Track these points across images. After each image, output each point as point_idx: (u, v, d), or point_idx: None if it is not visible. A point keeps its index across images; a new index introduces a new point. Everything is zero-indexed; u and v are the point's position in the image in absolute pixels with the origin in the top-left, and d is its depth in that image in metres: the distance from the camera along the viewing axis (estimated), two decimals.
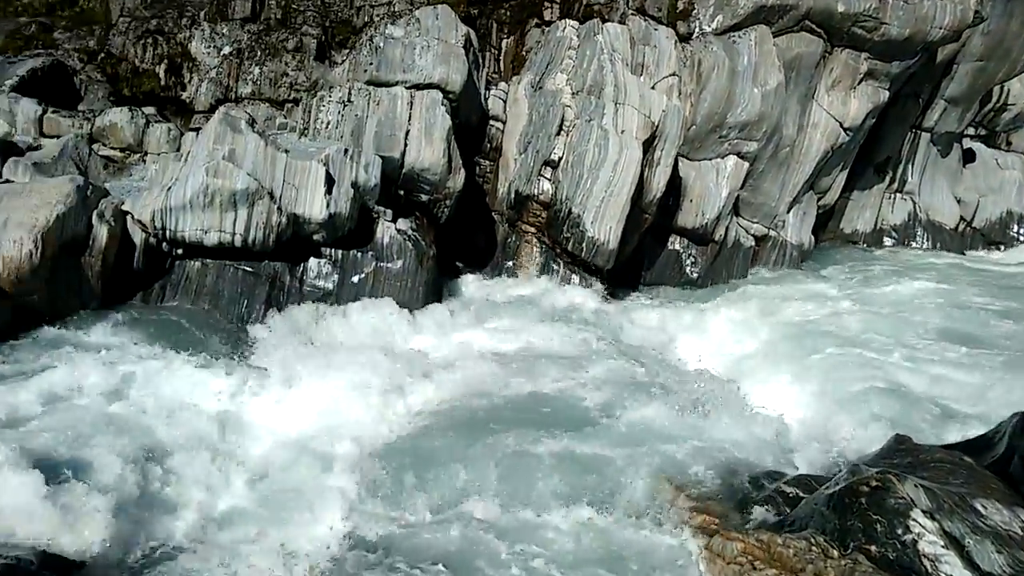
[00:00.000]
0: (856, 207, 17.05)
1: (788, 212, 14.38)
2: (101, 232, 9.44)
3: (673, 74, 12.89)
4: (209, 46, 12.84)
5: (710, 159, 13.43)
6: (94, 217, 9.48)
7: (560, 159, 12.16)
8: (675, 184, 12.98)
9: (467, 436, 7.06)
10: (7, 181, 9.72)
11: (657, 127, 12.34)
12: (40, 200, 9.20)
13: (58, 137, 10.98)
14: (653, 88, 12.73)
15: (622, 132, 12.09)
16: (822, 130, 14.02)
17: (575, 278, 12.11)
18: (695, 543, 5.54)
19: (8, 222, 8.92)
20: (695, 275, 13.74)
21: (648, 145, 12.14)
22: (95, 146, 11.04)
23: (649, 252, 13.50)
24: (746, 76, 13.03)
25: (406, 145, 11.48)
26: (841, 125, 14.05)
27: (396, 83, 11.78)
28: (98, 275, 9.45)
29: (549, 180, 12.14)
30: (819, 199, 15.12)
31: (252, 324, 10.03)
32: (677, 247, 13.65)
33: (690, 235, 13.61)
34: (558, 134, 12.31)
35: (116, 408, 7.15)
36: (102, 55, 13.44)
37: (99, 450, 6.23)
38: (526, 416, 7.52)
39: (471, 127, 12.69)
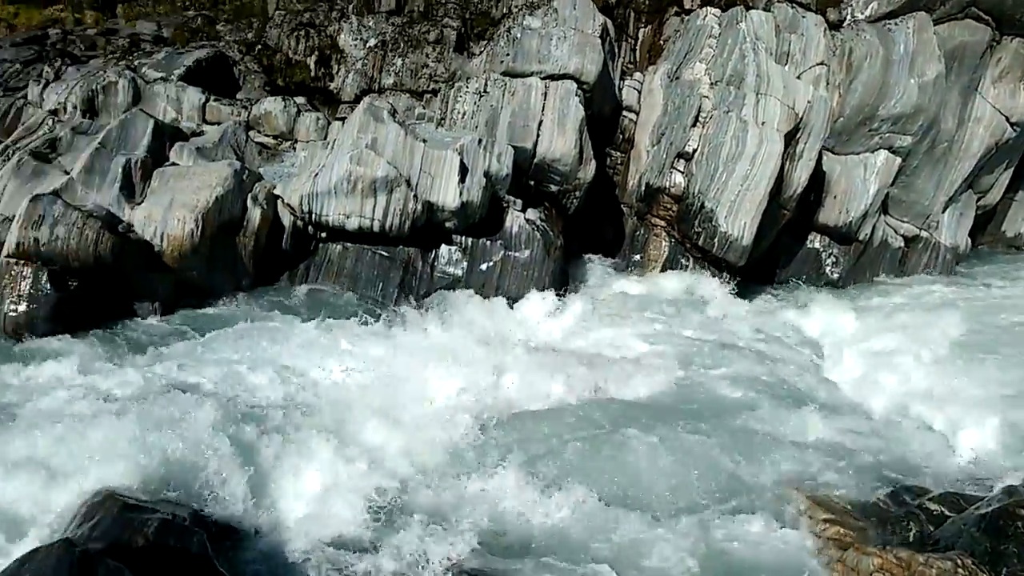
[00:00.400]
0: (1021, 209, 15.58)
1: (943, 212, 13.34)
2: (255, 214, 10.11)
3: (821, 63, 12.24)
4: (356, 38, 13.43)
5: (858, 153, 12.66)
6: (248, 200, 10.16)
7: (694, 151, 11.85)
8: (818, 179, 12.33)
9: (589, 431, 7.04)
10: (173, 164, 10.59)
11: (801, 119, 11.77)
12: (202, 183, 9.97)
13: (219, 124, 11.82)
14: (799, 78, 12.14)
15: (762, 124, 11.63)
16: (986, 125, 12.88)
17: (705, 274, 11.78)
18: (828, 555, 5.28)
19: (173, 202, 9.73)
20: (835, 275, 13.03)
21: (790, 138, 11.61)
22: (251, 133, 11.81)
23: (785, 249, 12.91)
24: (902, 66, 12.17)
25: (538, 135, 11.55)
26: (1008, 120, 12.86)
27: (531, 73, 11.87)
28: (251, 254, 10.14)
29: (682, 173, 11.87)
30: (979, 199, 13.92)
31: (387, 306, 10.44)
32: (817, 245, 12.97)
33: (832, 233, 12.90)
34: (693, 125, 12.00)
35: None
36: (259, 47, 14.34)
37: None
38: (652, 414, 7.41)
39: (604, 118, 12.59)
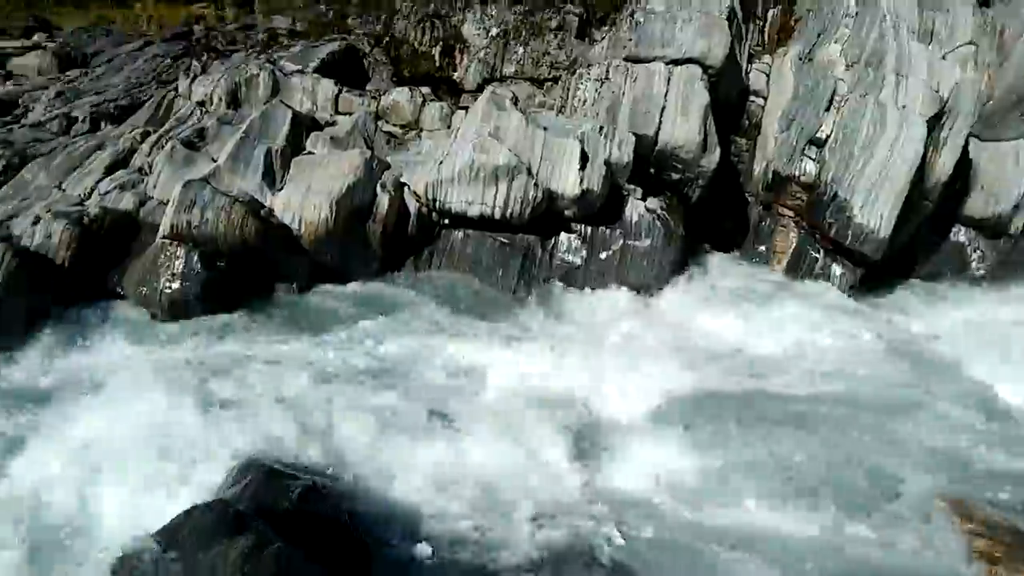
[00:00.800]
0: None
1: None
2: (383, 201, 10.51)
3: (970, 42, 11.39)
4: (479, 28, 13.65)
5: (1009, 140, 11.72)
6: (378, 187, 10.58)
7: (827, 137, 11.32)
8: (963, 167, 11.51)
9: (717, 430, 6.92)
10: (309, 153, 11.16)
11: (946, 102, 11.01)
12: (335, 171, 10.46)
13: (350, 114, 12.33)
14: (943, 58, 11.36)
15: (903, 107, 10.96)
16: None
17: (836, 268, 11.26)
18: (976, 569, 4.99)
19: (310, 189, 10.26)
20: (981, 272, 12.12)
21: (934, 122, 10.88)
22: (380, 122, 12.26)
23: (925, 243, 12.12)
24: None
25: (661, 122, 11.36)
26: None
27: (654, 58, 11.68)
28: (379, 240, 10.55)
29: (813, 160, 11.36)
30: None
31: (506, 292, 10.61)
32: (961, 239, 12.11)
33: (978, 226, 12.01)
34: (827, 110, 11.45)
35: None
36: (386, 39, 14.82)
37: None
38: (783, 414, 7.20)
39: (729, 103, 12.22)
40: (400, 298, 9.82)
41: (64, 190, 11.21)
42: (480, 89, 13.00)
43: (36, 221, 9.86)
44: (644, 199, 11.27)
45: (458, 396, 7.45)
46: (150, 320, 9.24)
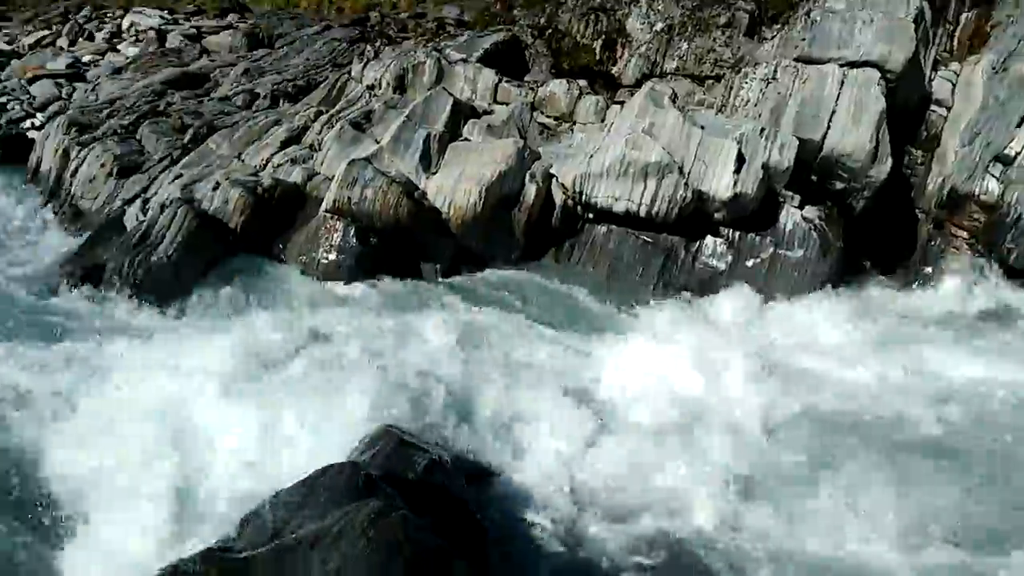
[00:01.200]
0: None
1: None
2: (530, 191, 10.66)
3: None
4: (644, 22, 13.46)
5: None
6: (527, 177, 10.74)
7: (1017, 155, 10.28)
8: None
9: (863, 460, 6.51)
10: (466, 139, 11.49)
11: None
12: (488, 158, 10.71)
13: (507, 104, 12.56)
14: None
15: None
16: None
17: (1012, 297, 10.24)
18: None
19: (462, 175, 10.58)
20: None
21: None
22: (535, 113, 12.40)
23: None
24: None
25: (828, 127, 10.75)
26: None
27: (828, 60, 11.06)
28: (523, 229, 10.72)
29: (997, 178, 10.36)
30: None
31: (644, 291, 10.46)
32: None
33: None
34: (1019, 125, 10.41)
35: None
36: (549, 31, 14.94)
37: None
38: (940, 452, 6.67)
39: (907, 111, 11.37)
40: (540, 287, 9.96)
41: (243, 160, 12.18)
42: (638, 84, 12.82)
43: (216, 187, 10.78)
44: (801, 207, 10.74)
45: (587, 391, 7.46)
46: (308, 284, 9.86)
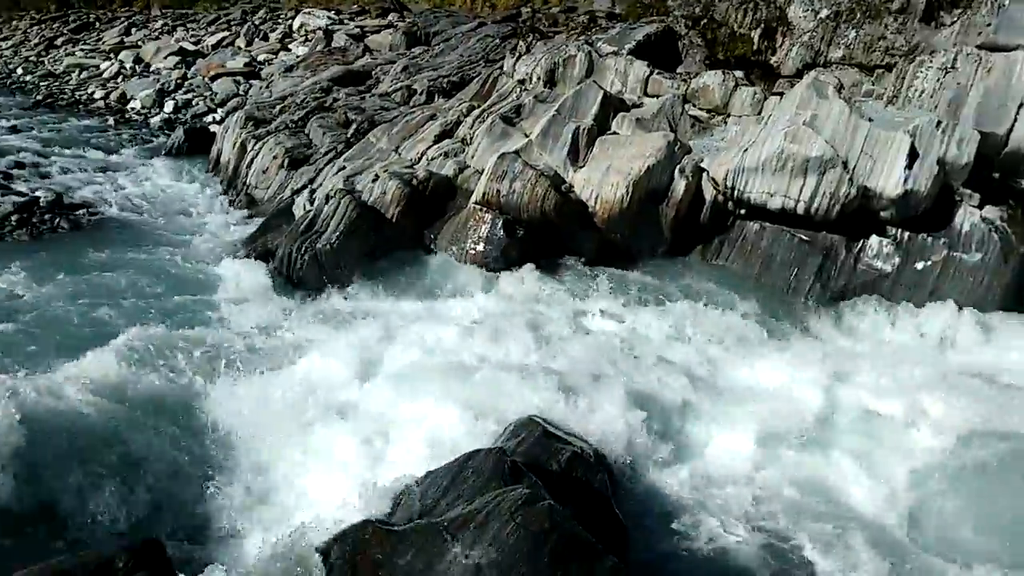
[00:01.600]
0: None
1: None
2: (679, 186, 10.43)
3: None
4: (807, 9, 12.80)
5: None
6: (676, 171, 10.52)
7: None
8: None
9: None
10: (614, 133, 11.41)
11: None
12: (637, 152, 10.58)
13: (658, 96, 12.35)
14: None
15: None
16: None
17: None
18: None
19: (610, 168, 10.52)
20: None
21: None
22: (687, 106, 12.11)
23: None
24: None
25: (1015, 120, 9.78)
26: None
27: (1017, 47, 10.04)
28: (670, 224, 10.52)
29: None
30: None
31: (799, 294, 9.97)
32: None
33: None
34: None
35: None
36: (704, 21, 14.53)
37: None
38: None
39: None
40: (686, 283, 9.73)
41: (400, 154, 12.75)
42: (799, 75, 12.22)
43: (375, 179, 11.34)
44: (981, 207, 9.84)
45: (743, 393, 7.21)
46: (458, 273, 10.18)
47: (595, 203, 10.45)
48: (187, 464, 6.07)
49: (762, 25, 13.26)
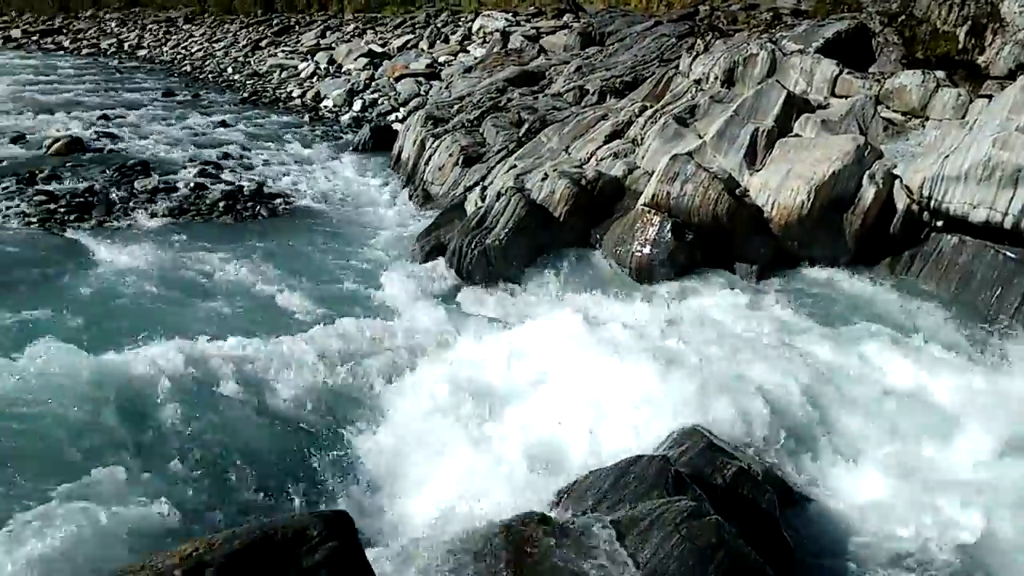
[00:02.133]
0: None
1: None
2: (868, 193, 9.74)
3: None
4: (1023, 4, 11.54)
5: None
6: (865, 177, 9.83)
7: None
8: None
9: None
10: (796, 135, 10.85)
11: None
12: (821, 155, 10.00)
13: (846, 97, 11.59)
14: None
15: None
16: None
17: None
18: None
19: (790, 173, 10.02)
20: None
21: None
22: (879, 108, 11.27)
23: None
24: None
25: None
26: None
27: None
28: (854, 233, 9.85)
29: None
30: None
31: (999, 319, 9.01)
32: None
33: None
34: None
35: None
36: (902, 17, 13.46)
37: None
38: None
39: None
40: (871, 299, 9.05)
41: (570, 153, 12.85)
42: (1011, 76, 11.05)
43: (544, 177, 11.50)
44: None
45: (931, 421, 6.62)
46: (623, 275, 10.14)
47: (772, 208, 10.00)
48: (359, 448, 6.49)
49: (969, 21, 12.11)
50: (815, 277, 9.69)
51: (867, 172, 9.88)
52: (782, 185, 9.98)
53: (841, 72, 12.08)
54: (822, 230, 9.94)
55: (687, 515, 4.06)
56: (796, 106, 11.33)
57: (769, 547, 4.85)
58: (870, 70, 12.59)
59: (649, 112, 13.04)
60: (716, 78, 12.90)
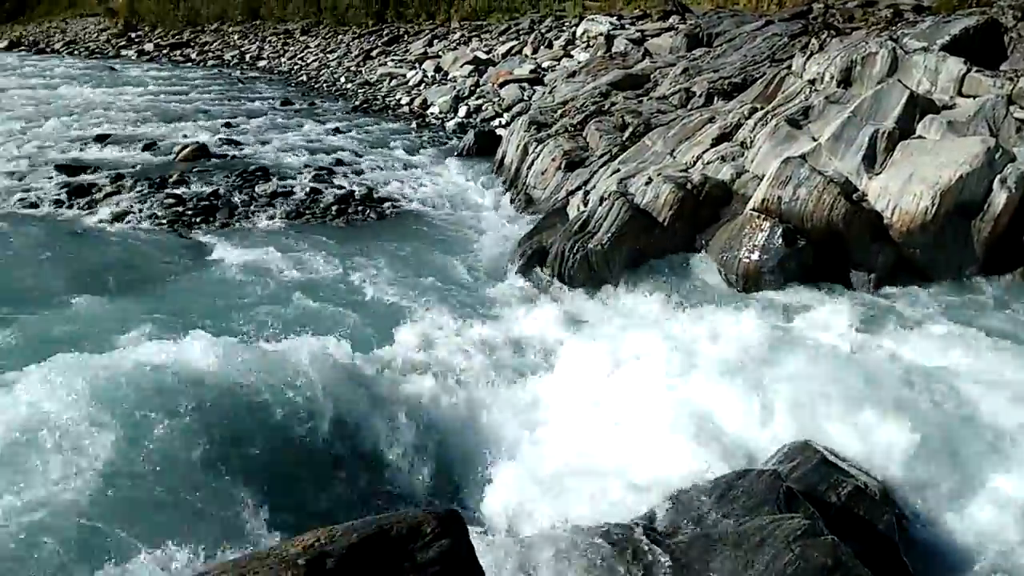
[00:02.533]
0: None
1: None
2: (999, 198, 9.13)
3: None
4: None
5: None
6: (996, 181, 9.22)
7: None
8: None
9: None
10: (919, 137, 10.27)
11: None
12: (947, 159, 9.45)
13: (975, 97, 10.88)
14: None
15: None
16: None
17: None
18: None
19: (912, 176, 9.51)
20: None
21: None
22: (1012, 108, 10.52)
23: None
24: None
25: None
26: None
27: None
28: (984, 241, 9.25)
29: None
30: None
31: None
32: None
33: None
34: None
35: None
36: None
37: None
38: None
39: None
40: (1006, 313, 8.47)
41: (675, 157, 12.64)
42: None
43: (648, 182, 11.35)
44: None
45: None
46: (727, 284, 9.89)
47: (892, 214, 9.52)
48: (466, 450, 6.63)
49: None
50: (939, 287, 9.15)
51: (998, 176, 9.26)
52: (903, 190, 9.48)
53: (969, 70, 11.35)
54: (948, 238, 9.39)
55: (801, 533, 3.92)
56: (919, 106, 10.73)
57: (888, 571, 4.63)
58: (1001, 68, 11.77)
59: (759, 114, 12.64)
60: (832, 78, 12.37)
